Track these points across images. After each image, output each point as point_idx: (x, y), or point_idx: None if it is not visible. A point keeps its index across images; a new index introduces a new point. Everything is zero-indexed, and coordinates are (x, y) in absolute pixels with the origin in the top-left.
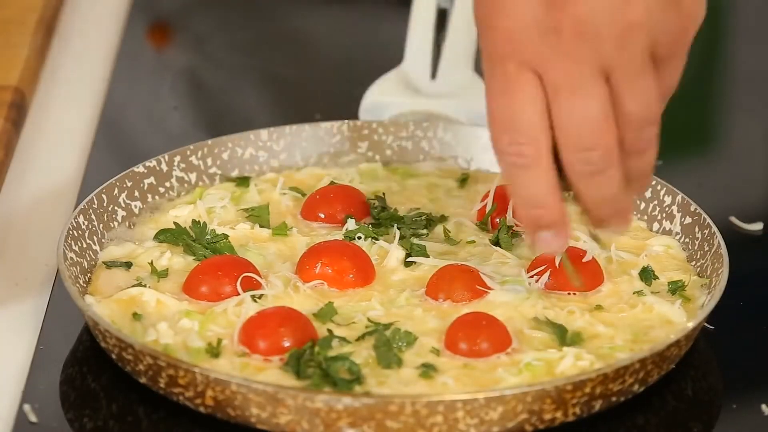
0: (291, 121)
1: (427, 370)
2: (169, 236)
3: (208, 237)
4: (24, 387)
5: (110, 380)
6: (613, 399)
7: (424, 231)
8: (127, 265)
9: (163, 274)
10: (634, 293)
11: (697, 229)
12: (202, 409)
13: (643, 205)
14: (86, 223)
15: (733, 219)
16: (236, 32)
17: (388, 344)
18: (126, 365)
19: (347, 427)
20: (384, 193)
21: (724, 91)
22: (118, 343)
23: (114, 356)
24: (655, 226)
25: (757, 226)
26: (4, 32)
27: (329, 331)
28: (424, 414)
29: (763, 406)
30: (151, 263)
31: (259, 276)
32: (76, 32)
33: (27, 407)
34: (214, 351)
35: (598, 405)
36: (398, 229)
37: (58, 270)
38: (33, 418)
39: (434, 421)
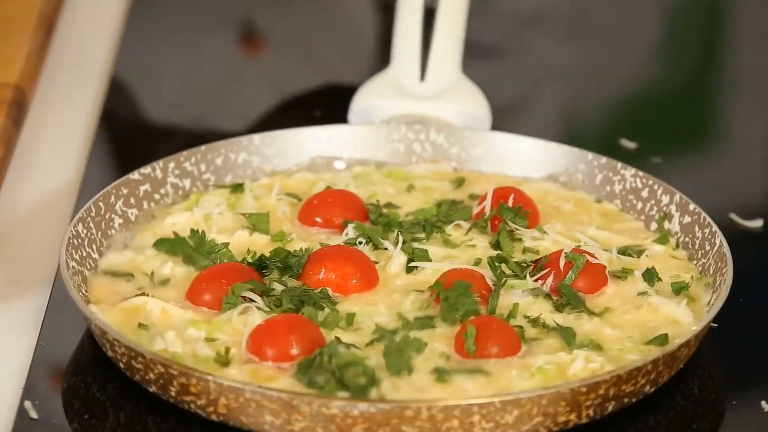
0: (290, 121)
1: (442, 375)
2: (168, 246)
3: (208, 247)
4: (25, 384)
5: (115, 385)
6: (626, 400)
7: (422, 235)
8: (129, 276)
9: (165, 282)
10: (638, 295)
11: (697, 229)
12: (214, 417)
13: (640, 204)
14: (85, 231)
15: (733, 216)
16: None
17: (400, 351)
18: (134, 374)
19: None
20: (378, 200)
21: (721, 89)
22: (127, 351)
23: (122, 365)
24: (653, 226)
25: (757, 223)
26: (5, 29)
27: (337, 338)
28: (440, 419)
29: (763, 403)
30: (152, 274)
31: (262, 283)
32: (76, 29)
33: (28, 404)
34: (223, 360)
35: (610, 406)
36: (399, 233)
37: (58, 268)
38: (34, 414)
39: (450, 425)
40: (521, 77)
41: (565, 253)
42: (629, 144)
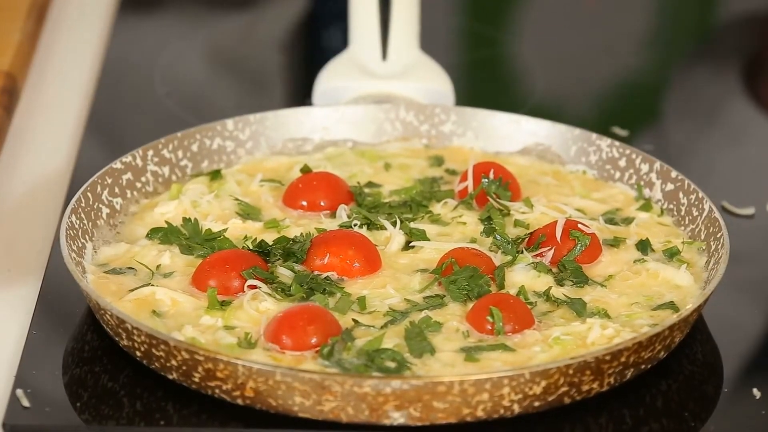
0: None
1: (471, 353)
2: (162, 236)
3: (204, 235)
4: (16, 373)
5: (127, 374)
6: (642, 366)
7: (410, 215)
8: (129, 268)
9: (168, 272)
10: (634, 262)
11: (681, 195)
12: (239, 401)
13: (618, 174)
14: (78, 222)
15: (725, 203)
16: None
17: (422, 334)
18: (153, 362)
19: (393, 410)
20: (359, 181)
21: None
22: (147, 340)
23: (139, 354)
24: (633, 193)
25: (749, 211)
26: None
27: (355, 320)
28: (471, 392)
29: (755, 390)
30: (158, 267)
31: (266, 269)
32: (68, 17)
33: (20, 392)
34: (246, 345)
35: (629, 373)
36: (396, 215)
37: (49, 258)
38: (26, 403)
39: (480, 399)
40: (512, 64)
41: (570, 231)
42: (621, 132)
